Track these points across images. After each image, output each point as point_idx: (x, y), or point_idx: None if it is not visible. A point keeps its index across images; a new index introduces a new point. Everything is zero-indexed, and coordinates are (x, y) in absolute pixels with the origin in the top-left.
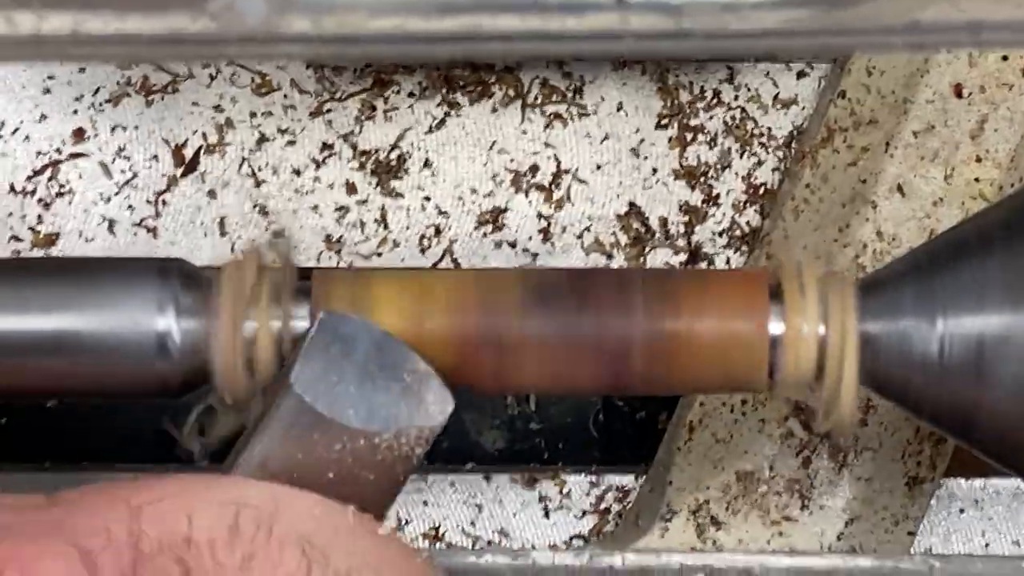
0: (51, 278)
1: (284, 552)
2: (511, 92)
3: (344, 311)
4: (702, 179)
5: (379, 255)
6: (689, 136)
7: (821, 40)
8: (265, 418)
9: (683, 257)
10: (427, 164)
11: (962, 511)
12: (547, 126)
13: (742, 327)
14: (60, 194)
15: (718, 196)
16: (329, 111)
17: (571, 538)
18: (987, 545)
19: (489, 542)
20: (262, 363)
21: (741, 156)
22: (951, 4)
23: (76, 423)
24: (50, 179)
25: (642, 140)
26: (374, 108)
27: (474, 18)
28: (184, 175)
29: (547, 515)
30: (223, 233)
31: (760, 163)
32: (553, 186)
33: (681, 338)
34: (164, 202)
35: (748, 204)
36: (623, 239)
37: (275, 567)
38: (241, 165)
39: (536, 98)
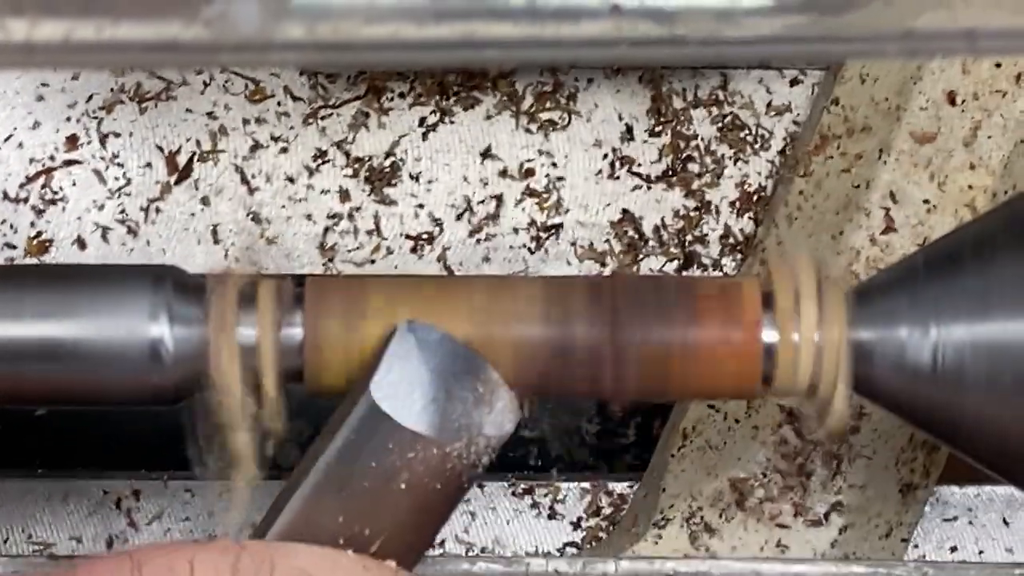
0: (44, 285)
1: None
2: (505, 99)
3: (420, 321)
4: (695, 186)
5: (372, 262)
6: (683, 143)
7: (815, 47)
8: (340, 424)
9: (676, 264)
10: (420, 171)
11: (955, 518)
12: (541, 133)
13: (735, 335)
14: (53, 201)
15: (711, 203)
16: (323, 118)
17: (565, 545)
18: (980, 552)
19: (483, 549)
20: (256, 370)
21: (735, 163)
22: (946, 11)
23: (69, 430)
24: (43, 186)
25: (636, 147)
26: (368, 115)
27: (468, 25)
28: (178, 182)
29: (541, 522)
30: (216, 240)
31: (754, 170)
32: (547, 193)
33: (675, 345)
34: (157, 209)
35: (742, 211)
36: (616, 246)
37: None
38: (235, 172)
39: (530, 105)
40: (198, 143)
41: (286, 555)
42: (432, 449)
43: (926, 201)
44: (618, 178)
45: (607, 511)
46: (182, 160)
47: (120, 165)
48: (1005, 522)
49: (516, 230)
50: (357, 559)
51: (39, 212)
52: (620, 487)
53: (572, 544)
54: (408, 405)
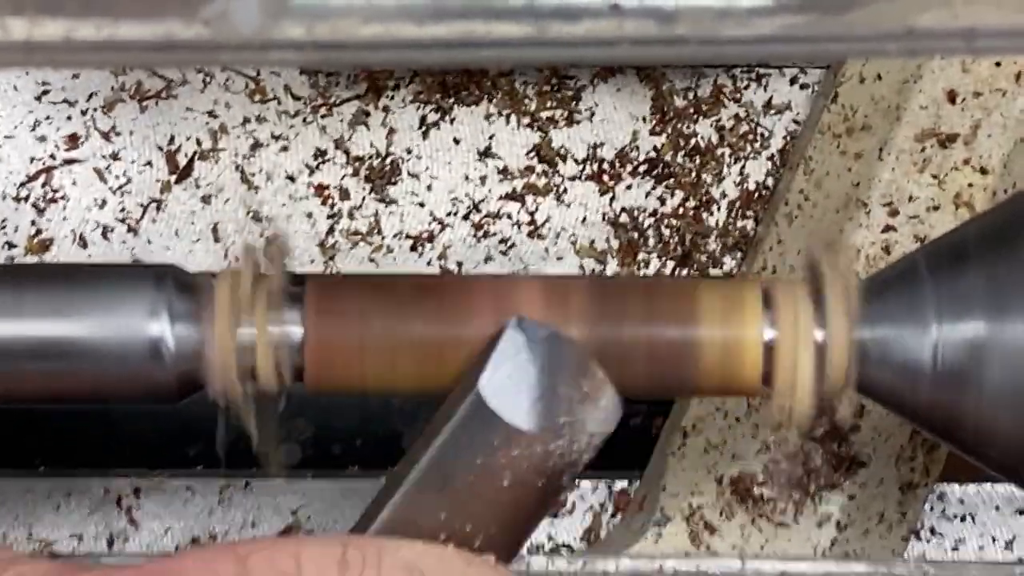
0: (45, 284)
1: None
2: (505, 98)
3: (532, 318)
4: (696, 185)
5: (372, 261)
6: (683, 142)
7: (815, 46)
8: (444, 421)
9: (676, 262)
10: (421, 170)
11: (955, 517)
12: (541, 131)
13: (735, 334)
14: (54, 200)
15: (712, 202)
16: (323, 117)
17: (565, 544)
18: (980, 549)
19: None
20: (257, 369)
21: (735, 162)
22: (946, 10)
23: (70, 428)
24: (44, 185)
25: (636, 146)
26: (368, 114)
27: (468, 24)
28: (178, 181)
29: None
30: (217, 239)
31: (754, 169)
32: (547, 191)
33: (675, 345)
34: (158, 208)
35: (742, 210)
36: (616, 245)
37: None
38: (235, 171)
39: (530, 104)
40: (199, 141)
41: (393, 549)
42: (537, 447)
43: (926, 200)
44: (618, 176)
45: (608, 509)
46: (183, 159)
47: (121, 163)
48: (1005, 520)
49: (516, 228)
50: (460, 554)
51: (40, 211)
52: (620, 485)
53: (573, 542)
54: (516, 403)
